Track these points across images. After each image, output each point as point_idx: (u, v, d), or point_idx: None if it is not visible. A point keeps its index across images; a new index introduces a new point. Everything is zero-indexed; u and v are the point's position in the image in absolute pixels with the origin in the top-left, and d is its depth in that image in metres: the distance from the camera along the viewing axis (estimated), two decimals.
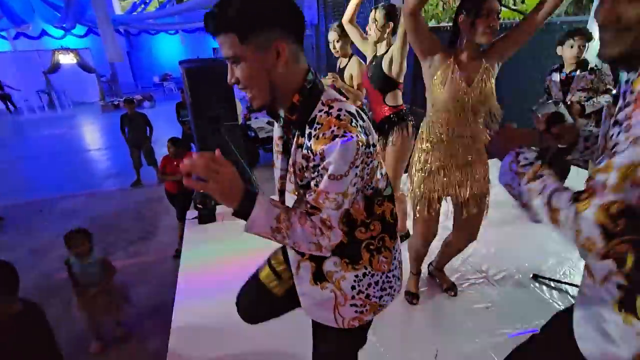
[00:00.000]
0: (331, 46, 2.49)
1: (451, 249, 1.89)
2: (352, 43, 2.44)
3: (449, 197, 1.67)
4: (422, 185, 1.64)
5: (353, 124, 0.79)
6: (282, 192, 0.98)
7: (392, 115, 2.15)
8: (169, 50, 14.87)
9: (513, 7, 5.60)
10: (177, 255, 2.93)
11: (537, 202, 0.69)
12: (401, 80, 2.12)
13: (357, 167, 0.79)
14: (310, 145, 0.80)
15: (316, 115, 0.82)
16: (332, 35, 2.44)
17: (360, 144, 0.78)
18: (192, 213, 2.98)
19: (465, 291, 1.99)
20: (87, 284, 2.09)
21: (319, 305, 0.98)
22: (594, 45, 3.21)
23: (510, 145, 0.80)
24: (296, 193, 0.91)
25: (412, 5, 1.35)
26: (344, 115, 0.80)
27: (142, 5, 10.85)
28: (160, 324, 2.18)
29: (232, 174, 0.78)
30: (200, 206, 2.83)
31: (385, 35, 2.06)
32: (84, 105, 12.44)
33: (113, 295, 2.22)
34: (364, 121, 0.84)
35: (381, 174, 0.92)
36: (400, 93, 2.18)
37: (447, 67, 1.45)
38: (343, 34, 2.39)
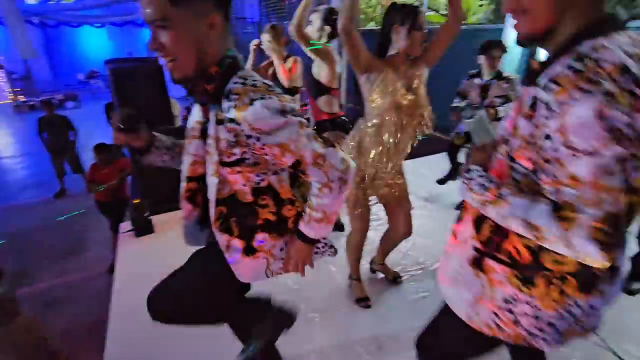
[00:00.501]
0: (264, 46, 2.52)
1: (388, 243, 2.00)
2: (287, 44, 2.47)
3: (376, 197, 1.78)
4: (355, 189, 1.72)
5: (271, 89, 0.85)
6: (191, 179, 1.00)
7: (326, 122, 2.18)
8: (96, 45, 13.52)
9: (443, 12, 6.04)
10: (111, 270, 2.71)
11: (515, 224, 0.68)
12: (334, 86, 2.16)
13: (292, 114, 0.85)
14: (234, 117, 0.83)
15: (231, 88, 0.84)
16: (265, 36, 2.48)
17: (284, 100, 0.85)
18: (125, 226, 2.77)
19: (406, 283, 2.11)
20: None
21: (253, 270, 1.05)
22: (509, 57, 3.59)
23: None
24: (218, 175, 0.91)
25: (344, 23, 1.40)
26: (261, 84, 0.85)
27: None
28: (94, 347, 2.00)
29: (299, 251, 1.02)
30: (134, 222, 2.64)
31: (321, 39, 2.10)
32: None
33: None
34: (283, 93, 0.89)
35: None
36: (335, 100, 2.21)
37: (386, 76, 1.52)
38: (275, 36, 2.44)
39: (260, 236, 1.00)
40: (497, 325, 0.81)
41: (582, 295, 0.73)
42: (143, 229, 2.65)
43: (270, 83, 0.88)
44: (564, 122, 0.58)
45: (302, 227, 0.97)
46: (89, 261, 3.26)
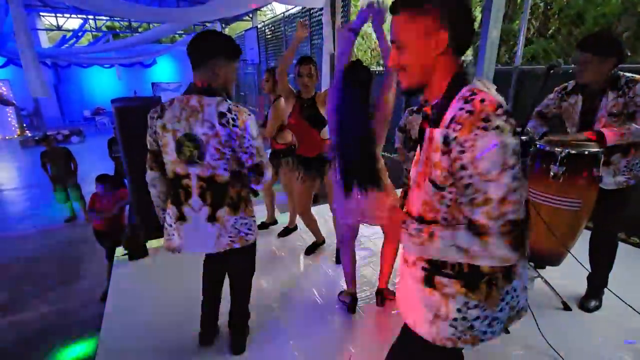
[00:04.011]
0: (263, 84, 2.95)
1: (387, 261, 2.12)
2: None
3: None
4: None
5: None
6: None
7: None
8: (103, 83, 14.23)
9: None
10: (104, 298, 2.78)
11: (450, 254, 0.81)
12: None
13: None
14: None
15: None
16: (265, 76, 2.94)
17: None
18: (121, 250, 2.88)
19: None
20: None
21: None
22: None
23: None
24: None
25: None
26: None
27: (74, 39, 10.43)
28: None
29: None
30: (129, 244, 2.76)
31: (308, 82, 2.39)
32: (0, 141, 11.23)
33: None
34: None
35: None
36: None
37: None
38: (272, 77, 2.86)
39: (223, 210, 1.51)
40: (457, 336, 0.90)
41: (507, 282, 0.88)
42: (137, 252, 2.75)
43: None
44: (473, 155, 0.74)
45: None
46: (82, 290, 3.31)
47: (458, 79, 0.83)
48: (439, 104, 0.84)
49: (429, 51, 0.82)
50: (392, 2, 0.85)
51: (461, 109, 0.76)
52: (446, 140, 0.77)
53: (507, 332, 1.90)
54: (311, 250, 2.85)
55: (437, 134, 0.81)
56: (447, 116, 0.79)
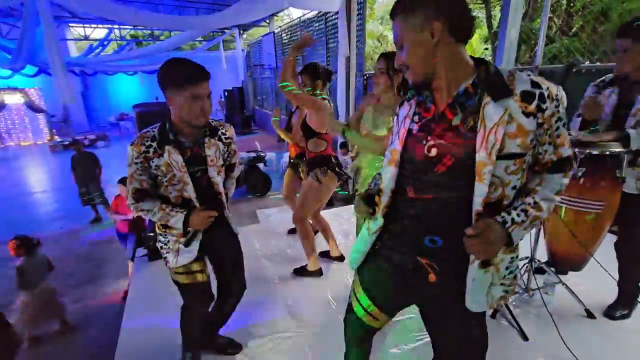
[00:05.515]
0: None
1: None
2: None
3: None
4: None
5: None
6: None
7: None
8: (127, 90, 14.77)
9: None
10: (125, 296, 2.88)
11: (552, 206, 0.91)
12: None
13: None
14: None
15: None
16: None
17: None
18: (142, 250, 2.97)
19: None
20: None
21: None
22: None
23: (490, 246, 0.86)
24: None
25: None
26: None
27: (100, 48, 10.89)
28: None
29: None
30: (148, 245, 2.84)
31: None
32: (32, 146, 11.83)
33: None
34: None
35: None
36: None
37: None
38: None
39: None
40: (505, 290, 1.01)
41: None
42: (156, 253, 2.83)
43: None
44: (564, 104, 0.86)
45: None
46: (106, 288, 3.44)
47: (482, 60, 0.90)
48: (490, 78, 0.86)
49: (425, 43, 0.86)
50: (391, 9, 0.90)
51: (529, 74, 0.86)
52: (542, 100, 0.83)
53: (526, 338, 1.84)
54: (300, 272, 2.56)
55: (528, 97, 0.84)
56: (519, 85, 0.84)
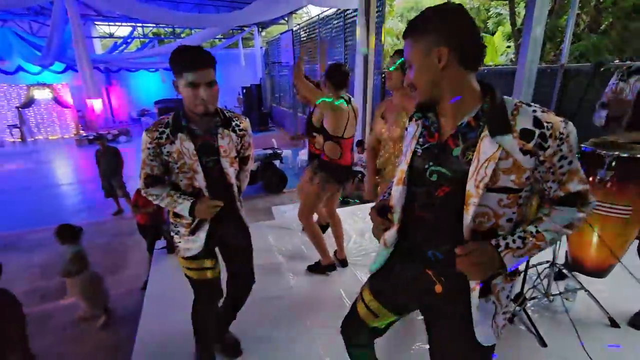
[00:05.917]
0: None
1: None
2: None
3: None
4: None
5: None
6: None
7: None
8: (149, 86, 15.13)
9: None
10: (145, 287, 2.96)
11: (557, 238, 0.88)
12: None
13: None
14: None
15: None
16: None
17: None
18: (161, 243, 3.05)
19: None
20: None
21: None
22: None
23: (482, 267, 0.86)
24: None
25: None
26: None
27: (124, 45, 11.21)
28: (121, 357, 2.19)
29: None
30: (167, 238, 2.92)
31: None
32: (59, 140, 12.32)
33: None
34: None
35: None
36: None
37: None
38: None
39: None
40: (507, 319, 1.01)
41: None
42: (175, 246, 2.89)
43: None
44: (570, 142, 0.82)
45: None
46: (126, 279, 3.55)
47: (489, 88, 0.88)
48: (492, 112, 0.85)
49: (432, 67, 0.86)
50: (405, 29, 0.92)
51: (534, 111, 0.83)
52: (543, 138, 0.81)
53: (544, 344, 1.80)
54: (315, 268, 2.60)
55: (527, 136, 0.82)
56: (520, 122, 0.82)
